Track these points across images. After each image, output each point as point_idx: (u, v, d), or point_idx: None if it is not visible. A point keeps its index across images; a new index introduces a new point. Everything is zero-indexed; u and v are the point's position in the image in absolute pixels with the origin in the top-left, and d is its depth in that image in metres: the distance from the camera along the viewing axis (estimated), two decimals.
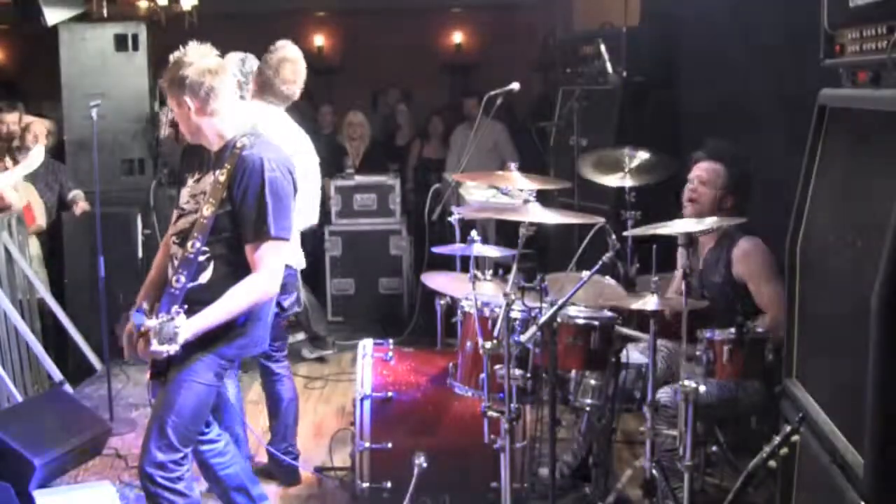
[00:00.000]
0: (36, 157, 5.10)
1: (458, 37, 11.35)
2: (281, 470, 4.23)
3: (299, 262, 4.20)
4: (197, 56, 3.07)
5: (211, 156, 3.15)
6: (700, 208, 3.76)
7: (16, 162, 5.72)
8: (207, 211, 3.01)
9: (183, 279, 3.02)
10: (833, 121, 2.54)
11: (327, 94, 9.18)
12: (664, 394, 3.46)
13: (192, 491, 3.13)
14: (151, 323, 2.77)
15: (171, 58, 3.09)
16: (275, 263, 3.03)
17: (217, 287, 3.01)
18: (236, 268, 3.04)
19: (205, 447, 3.32)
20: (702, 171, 3.79)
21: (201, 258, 3.04)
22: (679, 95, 5.82)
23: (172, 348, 2.80)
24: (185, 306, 2.91)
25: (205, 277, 3.05)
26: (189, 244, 3.02)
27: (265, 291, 3.04)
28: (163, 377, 3.07)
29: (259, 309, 3.11)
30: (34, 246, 5.75)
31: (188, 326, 2.85)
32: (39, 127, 6.08)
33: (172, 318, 2.78)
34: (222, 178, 3.02)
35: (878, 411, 2.00)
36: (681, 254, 3.59)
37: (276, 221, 2.98)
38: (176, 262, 3.08)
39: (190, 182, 3.20)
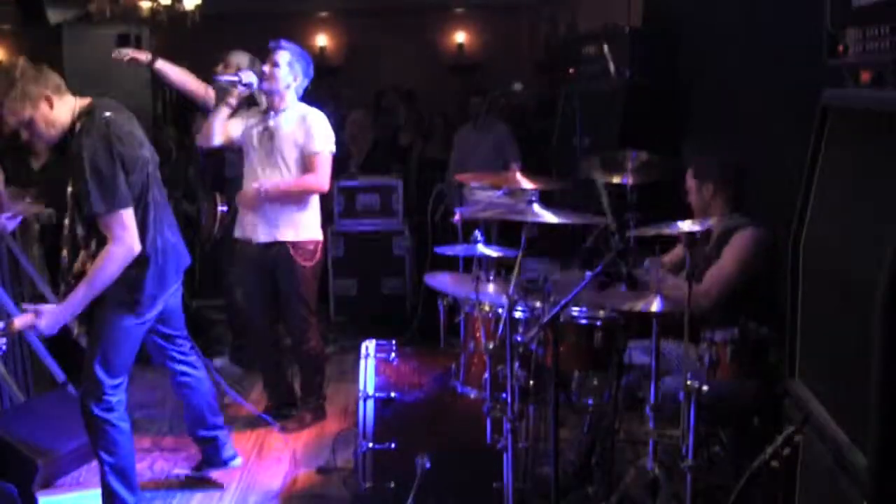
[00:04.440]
0: None
1: (460, 37, 11.35)
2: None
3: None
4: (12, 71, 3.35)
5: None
6: (695, 211, 3.98)
7: (18, 162, 5.73)
8: (70, 189, 3.55)
9: (66, 253, 3.55)
10: (835, 121, 2.54)
11: (329, 95, 9.18)
12: (666, 384, 3.46)
13: (124, 422, 3.60)
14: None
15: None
16: (119, 231, 3.33)
17: None
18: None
19: (182, 378, 3.93)
20: (688, 178, 4.03)
21: (81, 231, 3.52)
22: (682, 96, 5.82)
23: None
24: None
25: (93, 247, 3.44)
26: (64, 222, 3.53)
27: (121, 258, 3.36)
28: (88, 328, 3.59)
29: (145, 269, 3.47)
30: (36, 246, 5.75)
31: (62, 309, 3.37)
32: None
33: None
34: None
35: (881, 411, 2.00)
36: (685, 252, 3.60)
37: (101, 198, 3.29)
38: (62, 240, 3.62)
39: None
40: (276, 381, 5.05)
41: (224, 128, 4.64)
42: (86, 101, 3.45)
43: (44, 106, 3.34)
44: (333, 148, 4.70)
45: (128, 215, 3.37)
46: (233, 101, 4.50)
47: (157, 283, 3.58)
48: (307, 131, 4.62)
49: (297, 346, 4.89)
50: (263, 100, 4.78)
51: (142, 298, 3.55)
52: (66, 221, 3.49)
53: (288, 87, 4.63)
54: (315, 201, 4.78)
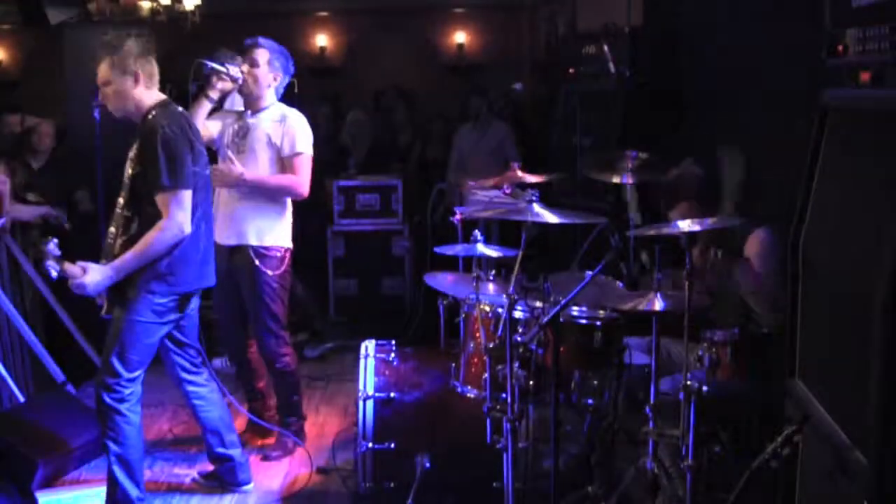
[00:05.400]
0: None
1: (460, 37, 11.32)
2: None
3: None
4: (125, 40, 3.70)
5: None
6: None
7: (18, 164, 5.74)
8: (129, 171, 3.64)
9: (113, 230, 3.65)
10: (835, 121, 2.54)
11: (329, 95, 9.17)
12: (666, 383, 3.46)
13: (134, 413, 3.67)
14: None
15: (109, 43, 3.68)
16: (175, 209, 3.54)
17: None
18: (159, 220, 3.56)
19: (191, 388, 3.96)
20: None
21: (127, 213, 3.62)
22: (682, 95, 5.82)
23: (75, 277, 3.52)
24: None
25: (133, 230, 3.59)
26: (118, 201, 3.65)
27: (171, 235, 3.54)
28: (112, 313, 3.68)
29: (181, 252, 3.61)
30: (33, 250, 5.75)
31: (108, 270, 3.53)
32: (44, 128, 6.07)
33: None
34: (137, 144, 3.63)
35: (881, 411, 2.00)
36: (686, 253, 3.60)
37: (168, 174, 3.51)
38: (112, 218, 3.69)
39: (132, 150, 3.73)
40: (251, 392, 4.82)
41: (204, 124, 4.41)
42: (164, 96, 3.76)
43: (129, 80, 3.64)
44: (311, 151, 4.45)
45: (186, 197, 3.58)
46: (214, 95, 4.35)
47: (189, 278, 3.70)
48: (286, 133, 4.40)
49: (271, 365, 4.57)
50: (240, 99, 4.59)
51: (169, 291, 3.64)
52: (121, 200, 3.66)
53: (269, 86, 4.47)
54: (287, 209, 4.53)
